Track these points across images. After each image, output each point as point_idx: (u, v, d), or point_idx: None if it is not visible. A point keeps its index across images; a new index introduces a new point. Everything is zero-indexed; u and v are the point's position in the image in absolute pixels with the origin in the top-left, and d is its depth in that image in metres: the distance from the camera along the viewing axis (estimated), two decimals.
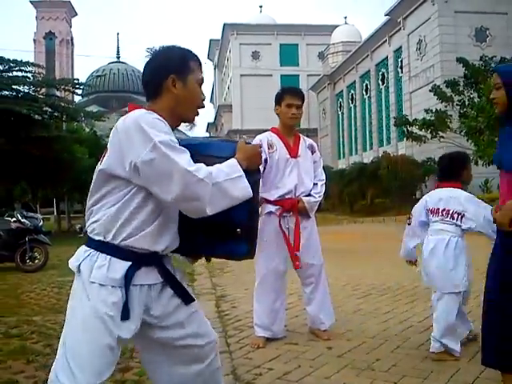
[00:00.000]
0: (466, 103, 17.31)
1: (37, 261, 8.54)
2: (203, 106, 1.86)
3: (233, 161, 1.73)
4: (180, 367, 1.84)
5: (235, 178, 1.69)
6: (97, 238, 1.69)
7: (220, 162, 1.72)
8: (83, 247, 1.73)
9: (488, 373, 2.83)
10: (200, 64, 1.87)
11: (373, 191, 19.12)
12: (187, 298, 1.82)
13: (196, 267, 7.42)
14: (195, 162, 1.66)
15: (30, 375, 3.11)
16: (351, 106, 36.48)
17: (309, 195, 3.74)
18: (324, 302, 3.79)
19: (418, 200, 3.72)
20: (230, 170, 1.70)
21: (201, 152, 1.77)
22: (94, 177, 1.72)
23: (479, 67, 17.39)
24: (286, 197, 3.69)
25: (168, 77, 1.75)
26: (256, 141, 3.79)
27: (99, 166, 1.70)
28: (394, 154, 21.54)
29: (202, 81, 1.86)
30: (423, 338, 3.65)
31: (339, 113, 38.96)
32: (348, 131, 36.99)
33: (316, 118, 41.98)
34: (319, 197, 3.78)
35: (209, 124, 60.01)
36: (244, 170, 1.74)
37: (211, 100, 70.08)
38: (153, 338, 1.81)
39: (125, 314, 1.65)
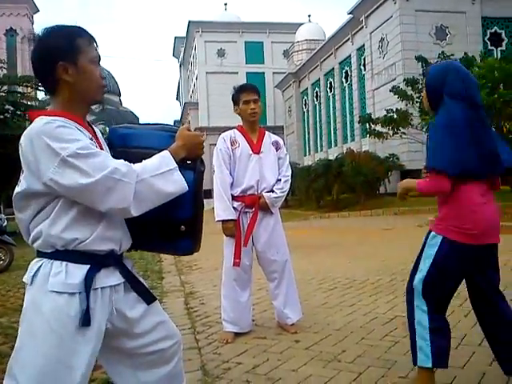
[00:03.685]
0: None
1: (1, 262, 8.35)
2: (105, 85, 1.74)
3: (164, 152, 1.63)
4: (147, 371, 1.78)
5: (166, 172, 1.58)
6: (48, 250, 1.58)
7: (156, 154, 1.63)
8: (35, 259, 1.62)
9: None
10: (91, 38, 1.68)
11: (338, 187, 19.35)
12: (148, 298, 1.75)
13: (164, 265, 7.42)
14: (129, 156, 1.58)
15: None
16: (316, 103, 36.81)
17: (272, 191, 3.78)
18: (289, 297, 3.84)
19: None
20: (159, 164, 1.59)
21: (135, 144, 1.71)
22: (15, 199, 1.60)
23: None
24: (248, 193, 3.74)
25: (56, 65, 1.59)
26: (220, 139, 3.84)
27: (17, 189, 1.59)
28: (358, 151, 21.90)
29: (97, 58, 1.69)
30: (387, 329, 3.77)
31: (304, 110, 39.25)
32: (313, 128, 37.31)
33: (282, 116, 42.23)
34: (281, 193, 3.81)
35: (175, 121, 59.46)
36: (184, 160, 1.67)
37: (177, 97, 69.54)
38: (120, 349, 1.74)
39: (85, 321, 1.54)
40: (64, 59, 1.60)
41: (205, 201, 1.85)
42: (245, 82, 41.17)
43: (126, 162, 1.56)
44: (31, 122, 1.60)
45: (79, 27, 1.68)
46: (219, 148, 3.79)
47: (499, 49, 22.17)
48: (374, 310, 4.34)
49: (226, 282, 3.80)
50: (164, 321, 1.81)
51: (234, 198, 3.75)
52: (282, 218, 3.99)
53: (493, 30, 24.75)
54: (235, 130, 3.89)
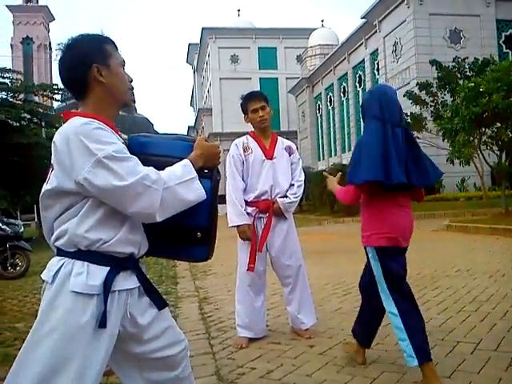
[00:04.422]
0: (440, 105, 17.63)
1: (18, 267, 8.48)
2: (133, 88, 1.80)
3: (186, 161, 1.69)
4: (154, 373, 1.80)
5: (188, 180, 1.64)
6: (70, 249, 1.60)
7: (175, 162, 1.68)
8: (55, 258, 1.63)
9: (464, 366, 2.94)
10: (115, 45, 1.77)
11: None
12: (160, 303, 1.77)
13: (178, 271, 7.46)
14: (149, 164, 1.61)
15: None
16: (329, 108, 36.77)
17: (285, 196, 3.79)
18: (303, 302, 3.84)
19: None
20: (182, 173, 1.65)
21: (155, 152, 1.74)
22: (43, 197, 1.63)
23: (452, 69, 17.73)
24: (262, 198, 3.75)
25: (91, 67, 1.66)
26: (233, 145, 3.87)
27: (46, 187, 1.62)
28: None
29: (124, 62, 1.79)
30: None
31: (318, 115, 39.23)
32: (327, 133, 37.26)
33: (295, 121, 42.27)
34: (295, 198, 3.81)
35: (189, 127, 59.86)
36: (201, 170, 1.72)
37: (191, 103, 69.90)
38: (128, 353, 1.76)
39: (102, 323, 1.56)
40: (97, 62, 1.67)
41: (218, 206, 1.88)
42: (258, 87, 41.54)
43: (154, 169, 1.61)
44: (62, 123, 1.65)
45: (103, 35, 1.76)
46: (232, 154, 3.81)
47: None
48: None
49: (240, 287, 3.81)
50: (172, 326, 1.83)
51: (247, 203, 3.77)
52: (296, 222, 4.00)
53: (508, 33, 24.53)
54: (248, 136, 3.91)
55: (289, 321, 4.01)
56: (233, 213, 3.69)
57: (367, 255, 2.92)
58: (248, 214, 3.74)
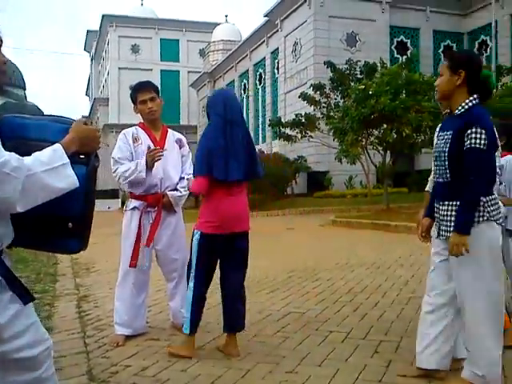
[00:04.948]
0: (333, 105, 18.46)
1: None
2: (4, 71, 1.69)
3: (57, 146, 1.58)
4: (13, 374, 1.68)
5: (58, 166, 1.54)
6: None
7: (47, 147, 1.57)
8: None
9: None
10: None
11: (247, 187, 19.71)
12: (26, 298, 1.66)
13: (60, 268, 7.07)
14: (22, 148, 1.51)
15: None
16: None
17: (175, 190, 3.74)
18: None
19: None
20: (51, 158, 1.54)
21: (28, 136, 1.63)
22: None
23: (345, 71, 18.61)
24: (151, 191, 3.66)
25: None
26: (121, 134, 3.74)
27: None
28: (268, 152, 22.33)
29: None
30: (279, 325, 3.86)
31: None
32: None
33: (196, 115, 41.99)
34: (185, 191, 3.78)
35: (84, 117, 57.08)
36: (77, 155, 1.63)
37: (87, 93, 66.91)
38: None
39: None
40: None
41: (102, 201, 1.76)
42: (159, 79, 40.85)
43: (17, 154, 1.47)
44: None
45: None
46: (120, 144, 3.69)
47: (404, 57, 23.38)
48: (269, 308, 4.43)
49: (123, 284, 3.70)
50: (35, 324, 1.72)
51: (135, 196, 3.66)
52: (185, 218, 3.94)
53: (399, 39, 26.17)
54: (137, 127, 3.80)
55: (170, 316, 3.96)
56: (130, 170, 3.56)
57: (193, 236, 3.24)
58: (135, 208, 3.64)
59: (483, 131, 2.42)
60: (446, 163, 2.55)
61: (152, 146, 3.69)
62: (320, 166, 22.05)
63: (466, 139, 2.45)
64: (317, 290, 5.07)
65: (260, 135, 31.57)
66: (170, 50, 44.68)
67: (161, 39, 44.79)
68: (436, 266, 2.71)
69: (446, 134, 2.58)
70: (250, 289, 5.20)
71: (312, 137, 19.18)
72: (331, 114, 17.86)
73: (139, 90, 3.72)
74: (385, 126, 13.70)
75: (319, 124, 18.68)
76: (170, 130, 3.89)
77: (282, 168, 19.63)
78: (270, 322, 3.97)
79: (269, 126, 22.57)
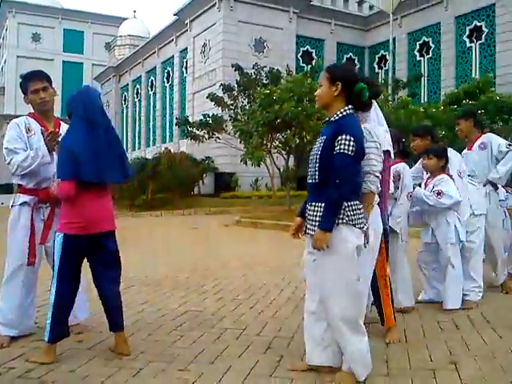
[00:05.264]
0: (240, 108, 18.71)
1: None
2: None
3: None
4: None
5: None
6: None
7: None
8: None
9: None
10: None
11: (153, 186, 19.38)
12: None
13: None
14: None
15: None
16: (136, 100, 36.19)
17: None
18: (79, 295, 3.67)
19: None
20: None
21: None
22: None
23: (251, 75, 18.93)
24: (43, 186, 3.47)
25: None
26: (13, 124, 3.52)
27: None
28: (175, 152, 22.11)
29: None
30: (176, 324, 3.85)
31: (124, 106, 38.29)
32: (132, 126, 36.60)
33: None
34: None
35: None
36: None
37: None
38: None
39: None
40: None
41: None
42: (61, 70, 39.03)
43: None
44: None
45: None
46: (12, 134, 3.46)
47: (309, 66, 24.23)
48: (167, 307, 4.39)
49: (11, 283, 3.49)
50: None
51: (25, 191, 3.47)
52: None
53: (305, 48, 27.10)
54: (27, 117, 3.59)
55: None
56: (30, 158, 3.36)
57: (55, 239, 3.13)
58: (25, 203, 3.45)
59: (352, 138, 2.60)
60: (317, 166, 2.72)
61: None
62: (227, 168, 22.23)
63: (336, 145, 2.63)
64: (216, 289, 5.11)
65: (167, 134, 31.14)
66: (73, 41, 42.92)
67: (64, 29, 42.96)
68: (310, 266, 2.84)
69: (321, 139, 2.76)
70: (148, 288, 5.17)
71: (219, 138, 19.29)
72: (238, 116, 18.09)
73: (30, 79, 3.54)
74: (288, 131, 14.12)
75: (226, 126, 18.84)
76: (62, 123, 3.72)
77: (189, 167, 19.57)
78: (166, 321, 3.94)
79: (175, 125, 22.37)
